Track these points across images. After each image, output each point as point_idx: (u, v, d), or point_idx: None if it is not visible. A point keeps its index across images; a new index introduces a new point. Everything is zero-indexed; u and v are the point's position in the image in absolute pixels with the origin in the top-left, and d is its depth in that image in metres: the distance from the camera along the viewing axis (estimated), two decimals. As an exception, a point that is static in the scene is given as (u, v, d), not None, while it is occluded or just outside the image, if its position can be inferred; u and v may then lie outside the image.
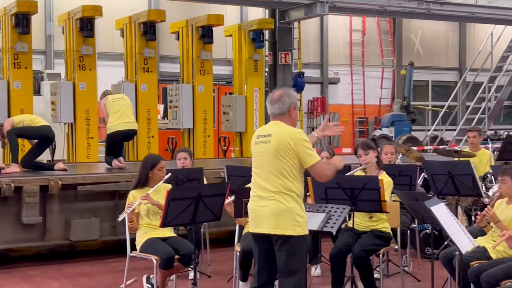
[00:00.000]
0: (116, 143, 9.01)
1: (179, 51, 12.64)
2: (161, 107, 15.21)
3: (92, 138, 11.01)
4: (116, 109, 8.81)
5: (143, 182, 5.77)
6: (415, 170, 6.88)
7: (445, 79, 22.33)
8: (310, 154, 4.33)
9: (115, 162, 8.82)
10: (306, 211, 4.51)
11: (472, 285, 5.07)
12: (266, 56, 13.60)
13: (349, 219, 5.79)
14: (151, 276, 5.72)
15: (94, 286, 6.67)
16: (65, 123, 11.30)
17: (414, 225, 7.21)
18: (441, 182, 6.42)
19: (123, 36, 12.02)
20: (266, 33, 13.19)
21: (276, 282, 4.55)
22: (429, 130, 18.43)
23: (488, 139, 9.78)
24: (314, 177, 4.51)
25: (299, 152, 4.31)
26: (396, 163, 7.82)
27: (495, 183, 6.88)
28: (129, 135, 9.16)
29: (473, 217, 7.54)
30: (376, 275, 6.01)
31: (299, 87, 14.95)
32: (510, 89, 17.66)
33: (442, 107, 18.42)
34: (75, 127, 11.16)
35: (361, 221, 5.83)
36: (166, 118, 14.21)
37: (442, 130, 17.66)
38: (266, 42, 13.39)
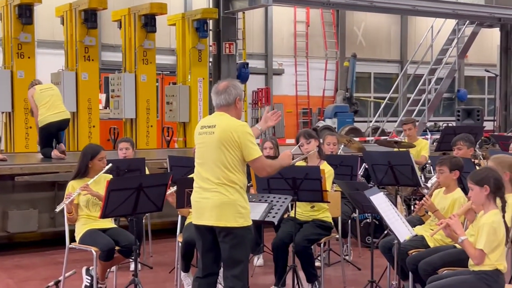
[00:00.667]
0: (51, 135, 8.81)
1: (121, 39, 12.45)
2: (102, 97, 14.97)
3: (30, 127, 10.74)
4: (45, 100, 8.57)
5: (82, 172, 5.66)
6: (356, 161, 6.97)
7: (387, 71, 22.70)
8: (253, 148, 4.33)
9: (54, 152, 8.63)
10: (249, 201, 4.51)
11: (410, 273, 5.19)
12: (210, 46, 13.54)
13: (292, 209, 5.82)
14: (90, 268, 5.62)
15: (32, 279, 6.53)
16: (2, 112, 11.00)
17: (355, 215, 7.31)
18: (381, 172, 6.51)
19: (63, 24, 11.76)
20: (210, 22, 13.13)
21: (220, 273, 4.54)
22: (371, 121, 18.73)
23: (427, 130, 10.00)
24: (254, 171, 4.51)
25: (242, 144, 4.30)
26: (338, 153, 7.92)
27: (434, 174, 7.02)
28: (63, 125, 8.96)
29: (412, 207, 7.68)
30: (317, 264, 6.07)
31: (243, 78, 14.96)
32: (449, 82, 18.08)
33: (384, 98, 18.73)
34: (13, 116, 10.87)
35: (303, 211, 5.87)
36: (108, 108, 14.00)
37: (383, 121, 17.96)
38: (210, 32, 13.33)
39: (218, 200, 4.31)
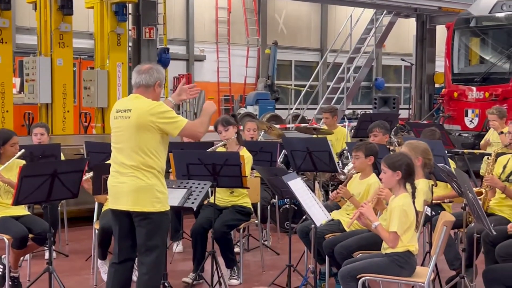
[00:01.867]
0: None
1: (36, 22, 12.04)
2: (17, 81, 14.45)
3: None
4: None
5: (-7, 158, 5.45)
6: (275, 147, 7.01)
7: (307, 59, 22.97)
8: (174, 121, 4.27)
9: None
10: (168, 187, 4.47)
11: (326, 257, 5.29)
12: (130, 30, 13.28)
13: (211, 195, 5.81)
14: (3, 257, 5.43)
15: None
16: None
17: (275, 200, 7.38)
18: (300, 158, 6.58)
19: (-25, 5, 11.26)
20: (130, 6, 12.87)
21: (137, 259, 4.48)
22: (291, 108, 18.93)
23: (345, 117, 10.20)
24: (190, 138, 4.45)
25: (161, 125, 4.24)
26: (259, 140, 7.96)
27: (351, 160, 7.16)
28: None
29: (330, 192, 7.82)
30: (236, 250, 6.09)
31: (164, 63, 14.76)
32: (367, 70, 18.49)
33: (304, 86, 18.95)
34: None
35: (222, 197, 5.87)
36: (22, 92, 13.53)
37: (303, 108, 18.18)
38: (130, 16, 13.07)
39: (134, 184, 4.25)
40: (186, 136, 4.36)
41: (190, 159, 5.43)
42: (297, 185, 4.53)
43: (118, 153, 4.34)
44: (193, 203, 4.93)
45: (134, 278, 4.50)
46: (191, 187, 5.05)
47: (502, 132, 7.78)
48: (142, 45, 13.19)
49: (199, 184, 5.11)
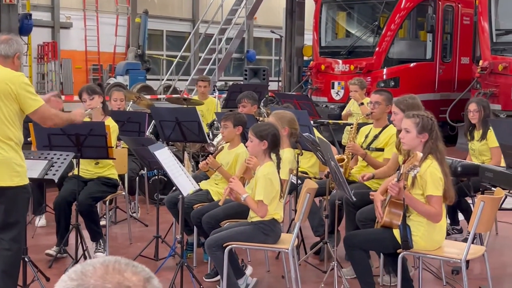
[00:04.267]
0: None
1: None
2: None
3: None
4: None
5: None
6: (144, 117, 6.88)
7: (179, 29, 22.70)
8: (33, 99, 4.09)
9: None
10: (27, 159, 4.25)
11: (194, 227, 5.28)
12: (-12, -6, 12.47)
13: (76, 167, 5.61)
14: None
15: None
16: None
17: (143, 172, 7.26)
18: (169, 128, 6.49)
19: None
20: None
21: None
22: (163, 79, 18.68)
23: (215, 88, 10.19)
24: (38, 122, 4.27)
25: (20, 96, 4.02)
26: (127, 110, 7.77)
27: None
28: None
29: (200, 163, 7.81)
30: (102, 222, 5.95)
31: (26, 30, 14.06)
32: (239, 42, 18.56)
33: (176, 57, 18.74)
34: None
35: (87, 168, 5.68)
36: None
37: (175, 79, 18.00)
38: (-12, -21, 12.27)
39: (-9, 158, 4.01)
40: (35, 118, 4.17)
41: (51, 130, 5.18)
42: (164, 155, 4.46)
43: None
44: (54, 175, 4.72)
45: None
46: (52, 158, 4.83)
47: (362, 103, 8.09)
48: (1, 10, 12.43)
49: (61, 155, 4.90)
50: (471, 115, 6.22)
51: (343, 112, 9.11)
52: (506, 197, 5.66)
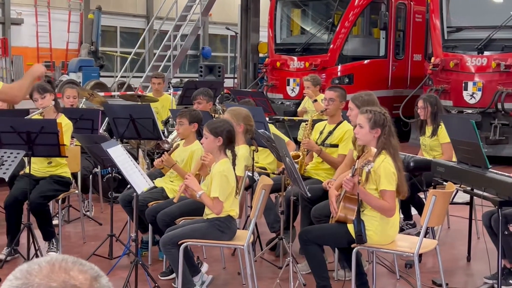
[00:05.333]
0: None
1: None
2: None
3: None
4: None
5: None
6: (97, 114, 6.78)
7: (133, 25, 22.47)
8: None
9: None
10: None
11: (150, 225, 5.23)
12: None
13: (28, 165, 5.49)
14: None
15: None
16: None
17: (97, 170, 7.16)
18: (123, 125, 6.41)
19: None
20: None
21: None
22: (117, 76, 18.47)
23: (170, 85, 10.13)
24: (5, 102, 4.16)
25: None
26: (80, 107, 7.65)
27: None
28: None
29: (155, 160, 7.74)
30: (55, 222, 5.85)
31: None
32: (194, 38, 18.47)
33: (130, 53, 18.55)
34: None
35: (39, 167, 5.57)
36: None
37: (129, 76, 17.81)
38: None
39: None
40: (1, 100, 4.06)
41: (2, 127, 5.08)
42: (117, 153, 4.41)
43: None
44: (4, 173, 4.63)
45: None
46: (2, 156, 4.73)
47: (315, 100, 8.14)
48: (-51, 5, 12.11)
49: (11, 153, 4.80)
50: (419, 111, 6.35)
51: (299, 109, 9.15)
52: (457, 192, 5.77)
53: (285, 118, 9.52)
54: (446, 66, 11.26)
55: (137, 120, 6.32)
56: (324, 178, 5.60)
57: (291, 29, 14.56)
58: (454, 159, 5.77)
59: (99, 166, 7.00)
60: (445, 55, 11.40)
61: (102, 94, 12.07)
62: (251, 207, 5.57)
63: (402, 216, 6.36)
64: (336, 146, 5.59)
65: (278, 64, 13.43)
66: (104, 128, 7.89)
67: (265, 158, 6.15)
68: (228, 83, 18.06)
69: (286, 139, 6.13)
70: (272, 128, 6.23)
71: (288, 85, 13.21)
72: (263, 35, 16.50)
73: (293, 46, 13.57)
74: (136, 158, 6.93)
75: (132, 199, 5.21)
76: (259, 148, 5.51)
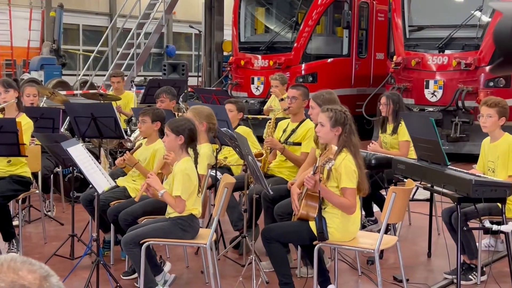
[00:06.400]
0: None
1: None
2: None
3: None
4: None
5: None
6: (58, 113, 6.70)
7: (96, 23, 22.24)
8: None
9: None
10: None
11: (111, 224, 5.19)
12: None
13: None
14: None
15: None
16: None
17: (59, 169, 7.07)
18: (84, 124, 6.34)
19: None
20: None
21: None
22: (80, 74, 18.26)
23: (132, 83, 10.06)
24: None
25: None
26: (41, 106, 7.55)
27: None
28: None
29: (117, 159, 7.67)
30: (15, 222, 5.76)
31: None
32: (157, 37, 18.36)
33: (93, 51, 18.36)
34: None
35: (-2, 166, 5.49)
36: None
37: (92, 75, 17.63)
38: None
39: None
40: None
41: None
42: (78, 152, 4.36)
43: None
44: (-38, 173, 4.55)
45: None
46: (-41, 156, 4.65)
47: (282, 99, 8.17)
48: None
49: (-31, 153, 4.72)
50: (381, 107, 6.42)
51: (265, 107, 9.17)
52: (417, 188, 5.85)
53: (249, 116, 9.53)
54: (408, 65, 11.40)
55: (99, 119, 6.26)
56: (287, 176, 5.63)
57: (255, 28, 14.58)
58: (410, 156, 5.87)
59: (60, 166, 6.92)
60: (407, 53, 11.54)
61: (64, 92, 11.93)
62: (214, 206, 5.59)
63: (364, 213, 6.43)
64: (299, 144, 5.62)
65: (242, 62, 13.43)
66: (65, 127, 7.80)
67: (232, 155, 6.14)
68: (192, 81, 18.02)
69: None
70: (243, 128, 6.23)
71: (253, 83, 13.23)
72: (228, 34, 16.51)
73: (257, 44, 13.58)
74: (98, 157, 6.87)
75: (93, 199, 5.17)
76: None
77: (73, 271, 4.83)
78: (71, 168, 6.72)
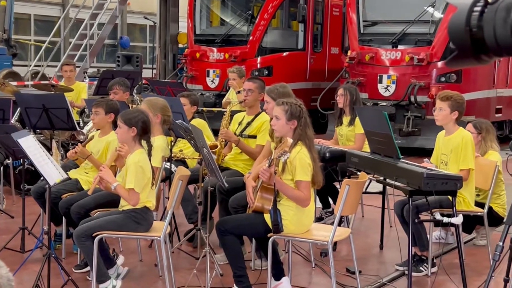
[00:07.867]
0: None
1: None
2: None
3: None
4: None
5: None
6: (8, 104, 6.57)
7: (48, 13, 21.80)
8: None
9: None
10: None
11: (63, 217, 5.10)
12: None
13: None
14: None
15: None
16: None
17: (9, 161, 6.92)
18: (35, 115, 6.21)
19: None
20: None
21: None
22: (31, 65, 17.88)
23: (85, 74, 9.91)
24: None
25: None
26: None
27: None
28: None
29: (69, 151, 7.55)
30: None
31: None
32: (111, 28, 18.09)
33: (45, 42, 17.99)
34: None
35: None
36: None
37: (44, 65, 17.28)
38: None
39: None
40: None
41: None
42: (28, 143, 4.27)
43: None
44: None
45: None
46: None
47: (239, 92, 8.15)
48: None
49: None
50: (338, 99, 6.47)
51: (223, 100, 9.13)
52: (370, 181, 5.92)
53: (204, 109, 9.48)
54: (362, 59, 11.52)
55: (51, 110, 6.13)
56: (242, 169, 5.63)
57: (211, 20, 14.51)
58: (365, 149, 5.93)
59: (10, 158, 6.78)
60: (361, 48, 11.65)
61: (14, 83, 11.63)
62: (168, 198, 5.55)
63: (320, 205, 6.48)
64: (254, 137, 5.63)
65: (197, 55, 13.36)
66: (16, 118, 7.63)
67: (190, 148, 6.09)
68: (147, 73, 17.85)
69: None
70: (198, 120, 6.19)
71: (208, 76, 13.17)
72: (183, 26, 16.39)
73: (213, 37, 13.52)
74: (49, 149, 6.75)
75: (44, 191, 5.08)
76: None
77: (23, 265, 4.74)
78: (21, 160, 6.61)
